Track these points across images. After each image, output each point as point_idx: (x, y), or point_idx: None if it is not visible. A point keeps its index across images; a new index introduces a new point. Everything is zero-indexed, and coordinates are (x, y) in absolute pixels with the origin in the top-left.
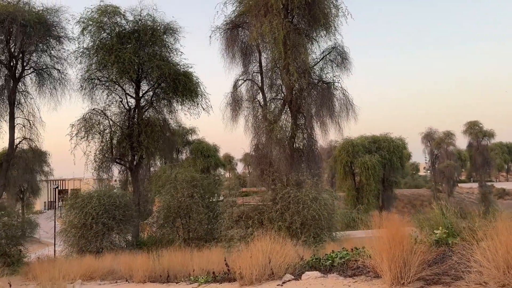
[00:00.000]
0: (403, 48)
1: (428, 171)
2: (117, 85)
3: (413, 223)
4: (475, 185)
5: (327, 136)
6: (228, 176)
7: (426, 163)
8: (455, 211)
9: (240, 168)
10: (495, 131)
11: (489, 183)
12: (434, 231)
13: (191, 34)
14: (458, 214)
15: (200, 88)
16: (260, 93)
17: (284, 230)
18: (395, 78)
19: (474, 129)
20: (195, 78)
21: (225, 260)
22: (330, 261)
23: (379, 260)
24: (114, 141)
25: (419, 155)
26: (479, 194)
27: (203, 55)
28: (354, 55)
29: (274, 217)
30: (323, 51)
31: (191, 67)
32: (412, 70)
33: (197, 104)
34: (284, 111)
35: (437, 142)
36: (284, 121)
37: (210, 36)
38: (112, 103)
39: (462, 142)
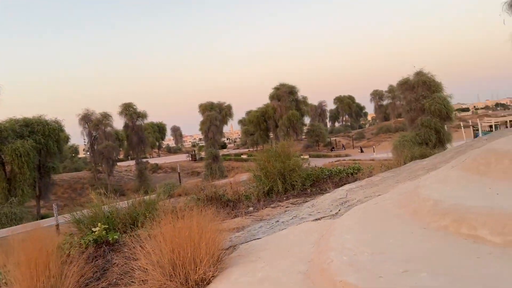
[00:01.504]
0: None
1: (88, 153)
2: None
3: (71, 220)
4: (132, 162)
5: None
6: None
7: (85, 145)
8: (113, 196)
9: None
10: (147, 112)
11: (144, 160)
12: (92, 229)
13: None
14: (117, 196)
15: None
16: None
17: None
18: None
19: (129, 111)
20: None
21: None
22: None
23: None
24: None
25: (78, 137)
26: (136, 171)
27: None
28: None
29: None
30: None
31: None
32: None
33: None
34: None
35: (94, 124)
36: None
37: None
38: None
39: (119, 123)
